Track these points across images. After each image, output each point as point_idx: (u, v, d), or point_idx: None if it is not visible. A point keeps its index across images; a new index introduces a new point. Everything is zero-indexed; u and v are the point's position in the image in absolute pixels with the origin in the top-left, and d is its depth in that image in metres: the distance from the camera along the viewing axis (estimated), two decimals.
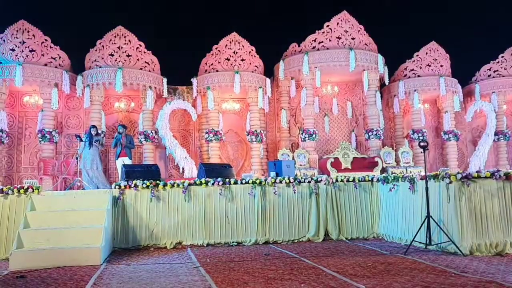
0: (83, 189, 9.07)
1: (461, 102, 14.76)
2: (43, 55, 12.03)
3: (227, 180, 7.74)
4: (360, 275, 4.75)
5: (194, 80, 13.37)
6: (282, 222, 7.75)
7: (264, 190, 7.79)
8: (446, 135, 14.26)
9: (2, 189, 6.84)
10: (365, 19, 13.76)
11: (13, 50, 11.83)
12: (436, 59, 14.27)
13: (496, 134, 14.64)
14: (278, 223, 7.74)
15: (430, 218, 6.16)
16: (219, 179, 7.70)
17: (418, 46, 14.48)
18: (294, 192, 7.86)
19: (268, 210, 7.75)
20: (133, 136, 11.27)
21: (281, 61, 13.59)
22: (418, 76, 14.14)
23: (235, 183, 7.74)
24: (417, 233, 6.24)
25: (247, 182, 7.76)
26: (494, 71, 14.99)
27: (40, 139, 11.97)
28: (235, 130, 14.18)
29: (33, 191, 6.93)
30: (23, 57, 11.80)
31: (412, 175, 7.10)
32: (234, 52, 13.28)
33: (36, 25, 12.20)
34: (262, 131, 13.34)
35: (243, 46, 13.39)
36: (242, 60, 13.25)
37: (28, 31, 12.05)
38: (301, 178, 8.02)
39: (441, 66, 14.25)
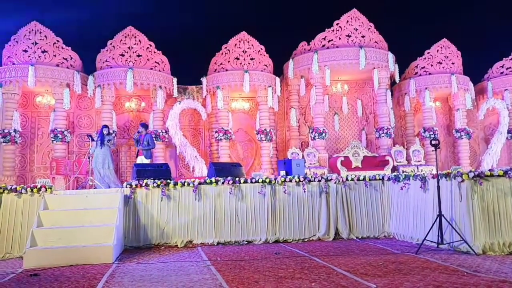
0: (95, 188, 9.16)
1: (473, 99, 14.57)
2: (55, 56, 12.15)
3: (237, 179, 7.76)
4: (371, 274, 4.73)
5: (203, 80, 13.41)
6: (292, 221, 7.75)
7: (274, 189, 7.80)
8: (458, 133, 14.09)
9: (15, 188, 6.95)
10: (375, 16, 13.66)
11: (25, 51, 11.96)
12: (447, 57, 14.10)
13: (509, 132, 14.40)
14: (288, 222, 7.74)
15: (442, 217, 6.11)
16: (229, 178, 7.72)
17: (429, 44, 14.33)
18: (304, 191, 7.84)
19: (278, 209, 7.76)
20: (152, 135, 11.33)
21: (291, 59, 13.54)
22: (429, 73, 13.99)
23: (245, 182, 7.76)
24: (428, 232, 6.19)
25: (257, 181, 7.77)
26: (507, 68, 14.75)
27: (53, 139, 12.11)
28: (244, 129, 14.19)
29: (46, 190, 7.05)
30: (35, 58, 11.93)
31: (424, 173, 7.05)
32: (243, 51, 13.28)
33: (47, 26, 12.34)
34: (271, 130, 13.34)
35: (252, 45, 13.39)
36: (252, 59, 13.24)
37: (40, 32, 12.17)
38: (311, 177, 8.00)
39: (453, 63, 14.07)
